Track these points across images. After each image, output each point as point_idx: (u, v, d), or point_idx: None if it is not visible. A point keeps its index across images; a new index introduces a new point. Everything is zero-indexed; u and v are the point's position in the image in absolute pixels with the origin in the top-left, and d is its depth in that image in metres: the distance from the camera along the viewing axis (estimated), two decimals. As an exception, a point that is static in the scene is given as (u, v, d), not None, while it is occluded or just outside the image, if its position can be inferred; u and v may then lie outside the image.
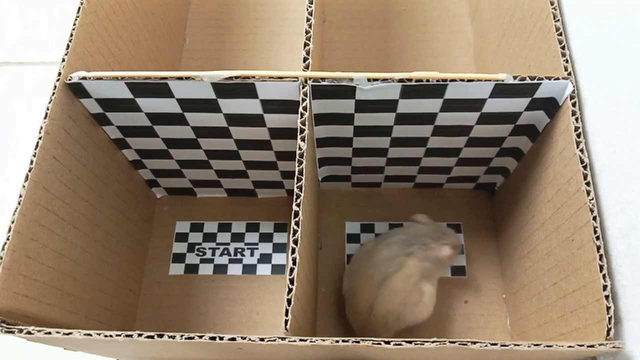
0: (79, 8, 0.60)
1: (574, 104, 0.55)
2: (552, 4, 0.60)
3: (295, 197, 0.52)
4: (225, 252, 0.81)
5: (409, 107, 0.61)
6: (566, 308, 0.56)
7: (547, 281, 0.61)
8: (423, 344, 0.46)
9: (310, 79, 0.56)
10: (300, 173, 0.53)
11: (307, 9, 0.61)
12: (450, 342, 0.46)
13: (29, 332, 0.49)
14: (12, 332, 0.49)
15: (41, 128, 0.54)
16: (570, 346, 0.46)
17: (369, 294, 0.66)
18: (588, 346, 0.47)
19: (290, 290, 0.49)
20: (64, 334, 0.48)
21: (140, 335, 0.48)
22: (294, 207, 0.51)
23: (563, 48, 0.57)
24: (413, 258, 0.67)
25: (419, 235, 0.69)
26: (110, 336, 0.48)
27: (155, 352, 0.56)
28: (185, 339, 0.47)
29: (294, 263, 0.49)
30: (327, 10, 0.97)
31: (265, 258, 0.81)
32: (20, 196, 0.52)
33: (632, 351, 0.48)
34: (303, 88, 0.56)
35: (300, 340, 0.47)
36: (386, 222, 0.82)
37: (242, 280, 0.79)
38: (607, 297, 0.48)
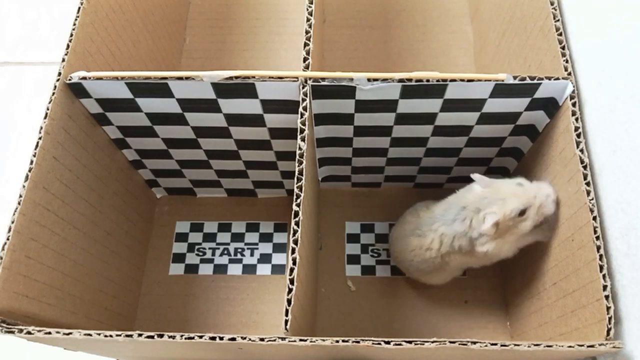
0: (79, 8, 0.60)
1: (574, 104, 0.55)
2: (552, 4, 0.60)
3: (295, 197, 0.52)
4: (225, 252, 0.81)
5: (409, 107, 0.61)
6: (566, 308, 0.56)
7: (547, 281, 0.61)
8: (423, 344, 0.46)
9: (310, 79, 0.56)
10: (300, 173, 0.53)
11: (307, 9, 0.61)
12: (450, 342, 0.46)
13: (29, 332, 0.49)
14: (12, 332, 0.49)
15: (41, 128, 0.54)
16: (570, 346, 0.46)
17: (397, 233, 0.73)
18: (588, 346, 0.47)
19: (290, 290, 0.49)
20: (64, 334, 0.48)
21: (140, 335, 0.48)
22: (294, 207, 0.51)
23: (563, 48, 0.57)
24: (434, 234, 0.64)
25: (461, 207, 0.61)
26: (110, 336, 0.48)
27: (155, 352, 0.56)
28: (185, 339, 0.47)
29: (294, 263, 0.49)
30: (327, 10, 0.97)
31: (265, 258, 0.81)
32: (20, 196, 0.52)
33: (632, 351, 0.48)
34: (303, 88, 0.56)
35: (300, 340, 0.47)
36: (386, 222, 0.82)
37: (242, 280, 0.79)
38: (607, 297, 0.48)
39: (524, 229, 0.60)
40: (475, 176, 0.61)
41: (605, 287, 0.48)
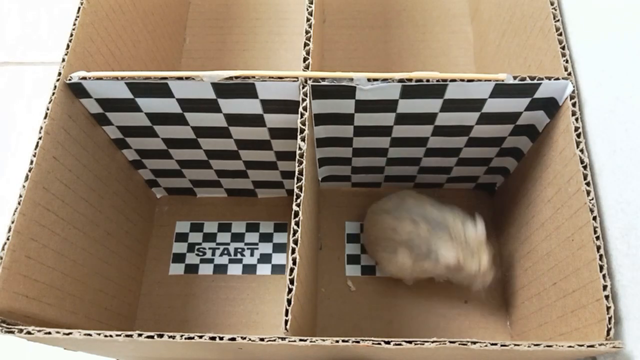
0: (79, 8, 0.60)
1: (574, 104, 0.55)
2: (552, 4, 0.60)
3: (295, 197, 0.52)
4: (225, 252, 0.81)
5: (409, 107, 0.61)
6: (566, 308, 0.56)
7: (547, 281, 0.61)
8: (423, 344, 0.46)
9: (310, 79, 0.56)
10: (300, 173, 0.53)
11: (307, 9, 0.61)
12: (450, 342, 0.46)
13: (29, 332, 0.49)
14: (12, 332, 0.49)
15: (41, 128, 0.54)
16: (570, 346, 0.46)
17: (374, 207, 0.76)
18: (588, 346, 0.47)
19: (290, 290, 0.49)
20: (64, 334, 0.48)
21: (140, 335, 0.48)
22: (294, 207, 0.51)
23: (563, 48, 0.57)
24: (411, 224, 0.69)
25: (449, 231, 0.68)
26: (110, 336, 0.48)
27: (155, 352, 0.56)
28: (185, 339, 0.47)
29: (294, 263, 0.49)
30: (327, 10, 0.97)
31: (265, 258, 0.81)
32: (20, 196, 0.52)
33: (632, 351, 0.48)
34: (303, 88, 0.56)
35: (300, 340, 0.47)
36: (386, 222, 0.82)
37: (242, 280, 0.79)
38: (607, 297, 0.48)
39: (440, 271, 0.69)
40: (480, 220, 0.68)
41: (605, 287, 0.48)
